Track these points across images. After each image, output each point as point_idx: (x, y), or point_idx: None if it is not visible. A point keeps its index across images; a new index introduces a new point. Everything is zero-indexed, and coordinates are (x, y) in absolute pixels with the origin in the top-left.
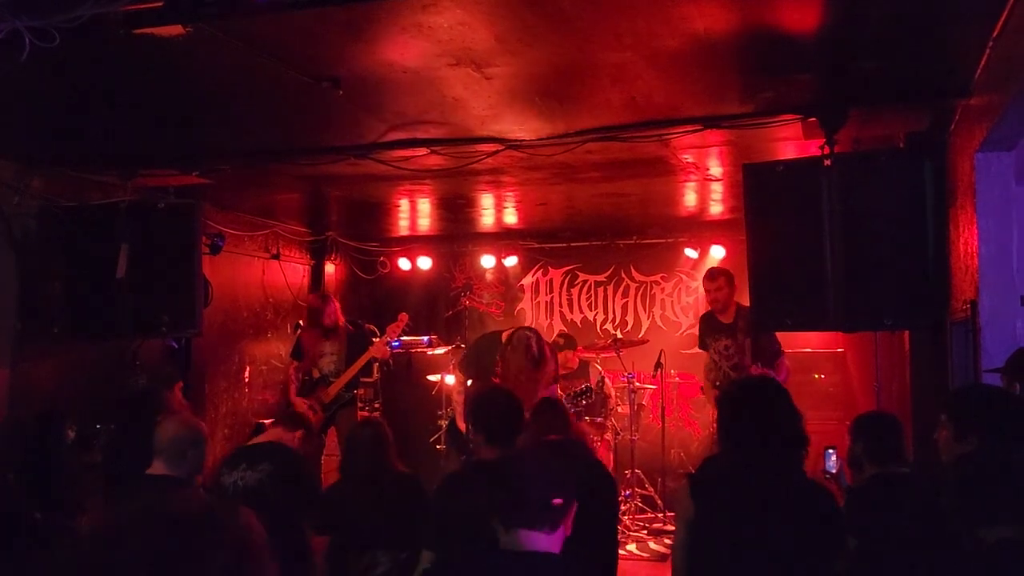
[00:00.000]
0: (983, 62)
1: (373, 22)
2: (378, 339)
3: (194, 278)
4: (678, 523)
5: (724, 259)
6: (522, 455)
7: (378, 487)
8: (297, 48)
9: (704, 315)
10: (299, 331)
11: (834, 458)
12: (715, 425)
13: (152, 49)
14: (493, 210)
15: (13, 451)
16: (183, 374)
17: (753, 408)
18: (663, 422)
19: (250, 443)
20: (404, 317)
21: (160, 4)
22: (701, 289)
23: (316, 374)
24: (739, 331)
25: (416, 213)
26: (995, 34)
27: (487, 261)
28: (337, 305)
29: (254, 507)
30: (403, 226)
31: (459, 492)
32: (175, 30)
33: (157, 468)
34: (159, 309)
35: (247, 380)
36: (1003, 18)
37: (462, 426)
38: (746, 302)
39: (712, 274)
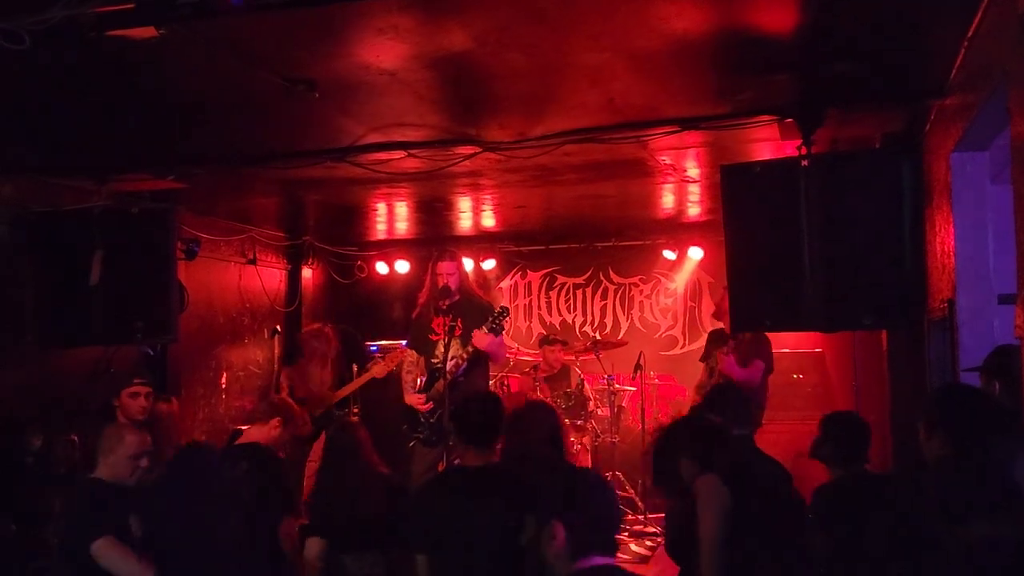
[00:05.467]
0: (957, 63)
1: (348, 23)
2: (378, 362)
3: (169, 284)
4: (715, 516)
5: (702, 260)
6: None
7: (361, 489)
8: (272, 50)
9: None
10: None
11: None
12: None
13: (125, 51)
14: (471, 213)
15: None
16: (160, 381)
17: None
18: (643, 424)
19: (231, 445)
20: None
21: (132, 6)
22: (679, 291)
23: None
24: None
25: (394, 217)
26: (969, 35)
27: (465, 264)
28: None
29: (232, 507)
30: (381, 230)
31: (443, 496)
32: (147, 32)
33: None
34: (134, 316)
35: (224, 386)
36: (976, 19)
37: (410, 400)
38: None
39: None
